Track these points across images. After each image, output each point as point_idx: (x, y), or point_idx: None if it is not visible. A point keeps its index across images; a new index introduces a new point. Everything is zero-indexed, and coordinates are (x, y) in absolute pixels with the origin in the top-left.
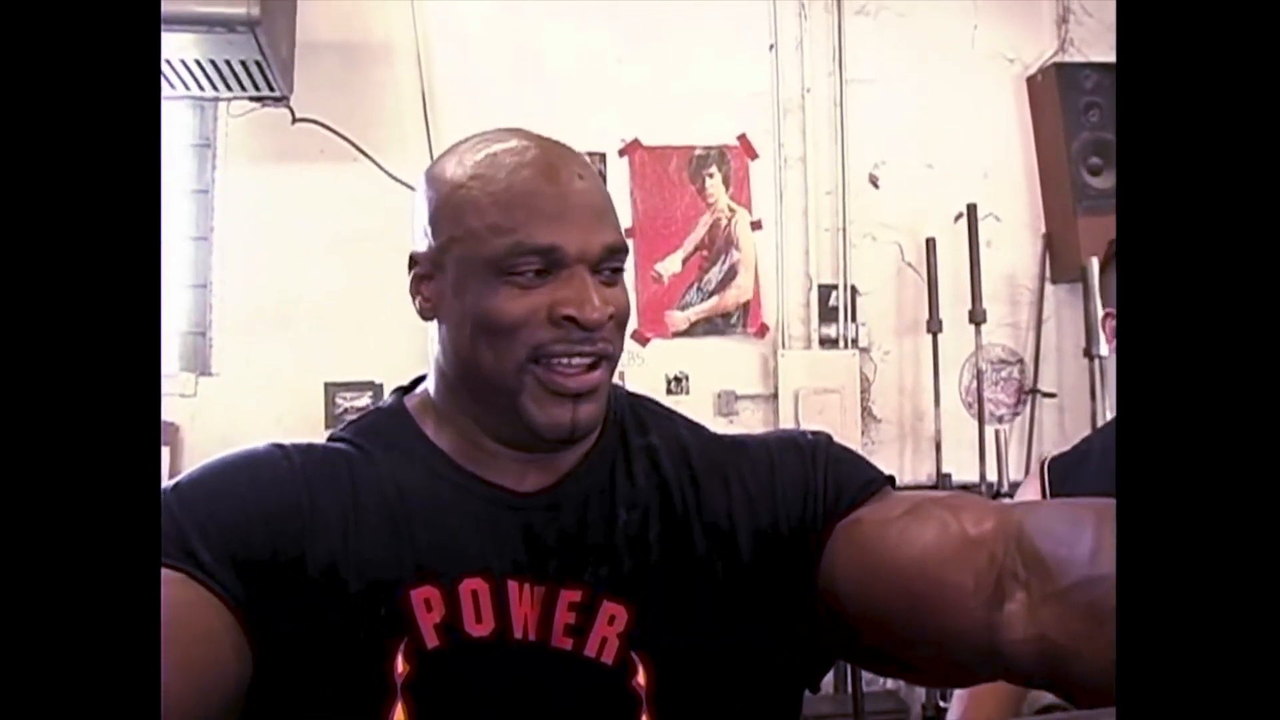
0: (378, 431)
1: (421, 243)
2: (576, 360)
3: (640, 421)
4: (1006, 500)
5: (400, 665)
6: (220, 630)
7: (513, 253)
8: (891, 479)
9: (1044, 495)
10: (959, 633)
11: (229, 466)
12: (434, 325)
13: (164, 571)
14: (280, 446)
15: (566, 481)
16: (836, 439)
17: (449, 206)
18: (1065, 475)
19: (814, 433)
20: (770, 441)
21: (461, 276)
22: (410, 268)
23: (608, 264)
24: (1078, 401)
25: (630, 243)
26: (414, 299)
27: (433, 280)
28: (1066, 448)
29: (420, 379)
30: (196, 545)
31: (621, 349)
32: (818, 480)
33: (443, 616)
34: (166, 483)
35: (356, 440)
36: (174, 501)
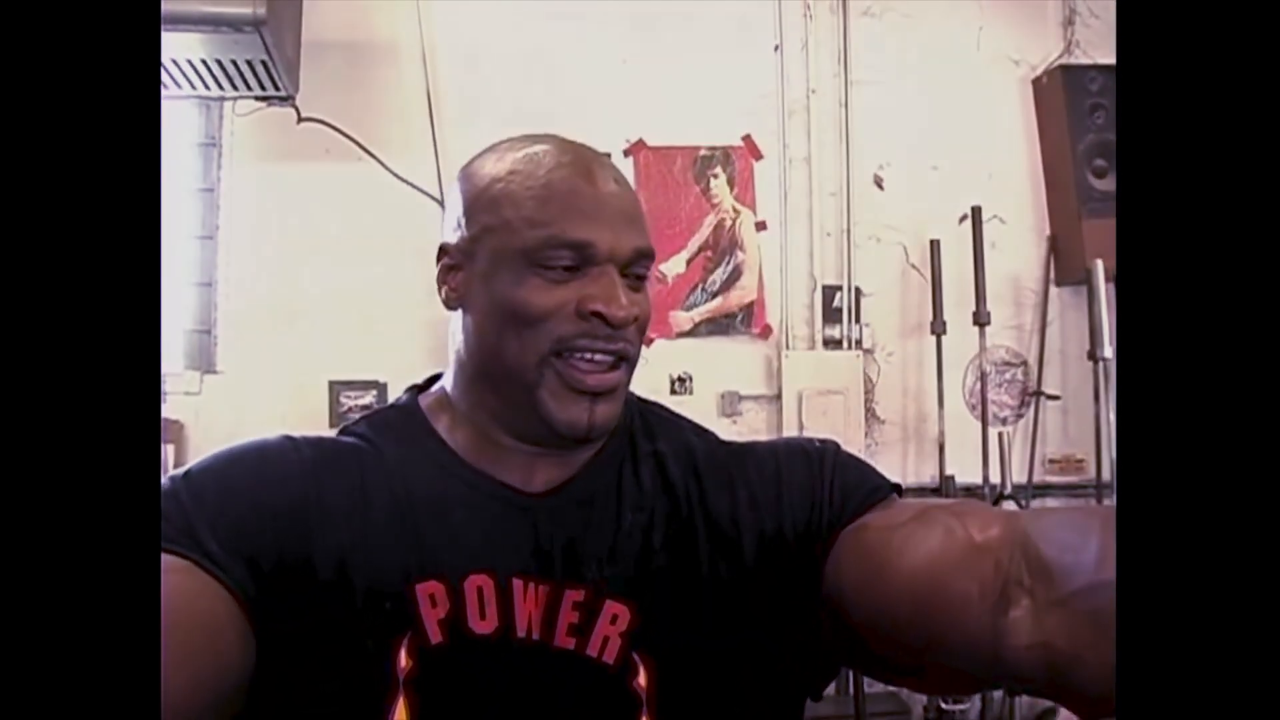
0: (389, 426)
1: (453, 235)
2: (599, 357)
3: (649, 427)
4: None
5: (403, 660)
6: (225, 620)
7: (546, 245)
8: (898, 487)
9: None
10: (964, 639)
11: (238, 459)
12: (455, 319)
13: (170, 559)
14: (290, 439)
15: (574, 481)
16: (840, 441)
17: (486, 198)
18: None
19: (822, 441)
20: (778, 448)
21: (492, 266)
22: (439, 258)
23: (635, 268)
24: (1082, 404)
25: None
26: (440, 289)
27: (461, 271)
28: None
29: (435, 378)
30: (205, 536)
31: (640, 354)
32: (824, 487)
33: (447, 612)
34: (176, 470)
35: (367, 435)
36: (183, 490)
